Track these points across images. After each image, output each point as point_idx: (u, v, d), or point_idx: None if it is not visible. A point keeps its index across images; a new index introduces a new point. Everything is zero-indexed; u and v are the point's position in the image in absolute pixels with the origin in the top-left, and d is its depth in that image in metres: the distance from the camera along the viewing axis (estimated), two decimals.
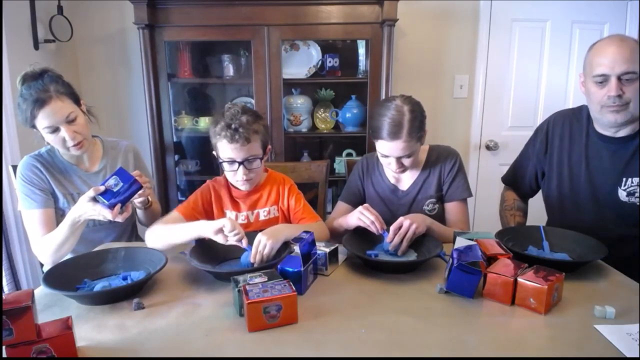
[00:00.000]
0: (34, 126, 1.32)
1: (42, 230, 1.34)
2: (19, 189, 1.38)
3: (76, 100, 1.37)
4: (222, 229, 1.12)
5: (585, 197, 1.41)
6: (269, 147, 1.41)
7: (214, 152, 1.37)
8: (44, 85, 1.30)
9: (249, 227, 1.40)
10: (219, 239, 1.13)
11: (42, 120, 1.29)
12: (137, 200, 1.37)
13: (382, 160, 1.44)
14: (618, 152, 1.35)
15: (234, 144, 1.26)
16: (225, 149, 1.29)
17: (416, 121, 1.33)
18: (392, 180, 1.52)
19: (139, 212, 1.49)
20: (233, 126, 1.26)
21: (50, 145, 1.42)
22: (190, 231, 1.18)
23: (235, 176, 1.33)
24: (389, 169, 1.44)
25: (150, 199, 1.42)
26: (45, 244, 1.32)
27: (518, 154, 1.67)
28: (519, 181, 1.62)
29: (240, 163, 1.30)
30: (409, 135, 1.32)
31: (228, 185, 1.42)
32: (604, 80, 1.26)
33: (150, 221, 1.54)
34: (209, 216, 1.40)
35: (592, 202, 1.40)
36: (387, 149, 1.36)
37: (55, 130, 1.31)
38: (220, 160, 1.33)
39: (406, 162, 1.39)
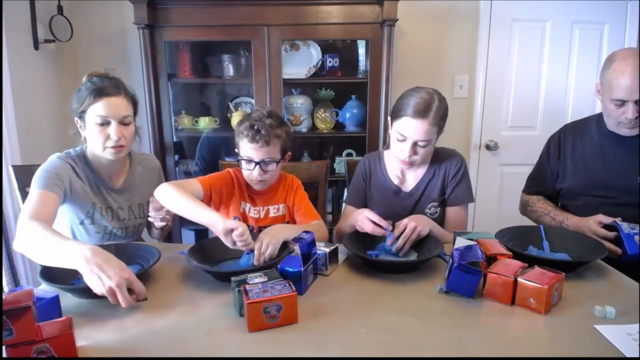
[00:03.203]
0: (83, 113, 1.29)
1: (37, 209, 1.16)
2: (37, 175, 1.24)
3: (135, 113, 1.38)
4: (233, 231, 1.11)
5: (603, 186, 1.47)
6: (289, 153, 1.45)
7: (235, 149, 1.43)
8: (117, 83, 1.33)
9: (259, 222, 1.45)
10: (227, 240, 1.12)
11: (99, 108, 1.27)
12: (158, 224, 1.37)
13: (395, 147, 1.39)
14: (635, 146, 1.43)
15: (254, 144, 1.32)
16: (245, 148, 1.35)
17: (442, 110, 1.33)
18: (396, 181, 1.51)
19: (154, 230, 1.49)
20: (256, 127, 1.32)
21: (79, 148, 1.39)
22: (202, 217, 1.16)
23: (250, 175, 1.38)
24: (399, 157, 1.39)
25: (169, 224, 1.42)
26: (27, 233, 1.10)
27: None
28: (540, 185, 1.66)
29: (256, 163, 1.34)
30: (434, 118, 1.31)
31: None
32: (622, 104, 1.35)
33: (162, 236, 1.56)
34: (224, 199, 1.42)
35: (611, 190, 1.45)
36: (409, 129, 1.32)
37: (105, 123, 1.29)
38: (239, 158, 1.38)
39: (419, 151, 1.36)
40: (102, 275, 0.92)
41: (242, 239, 1.10)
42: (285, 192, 1.49)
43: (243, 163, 1.37)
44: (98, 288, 0.91)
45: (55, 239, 1.03)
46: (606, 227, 1.33)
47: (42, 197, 1.20)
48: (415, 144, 1.35)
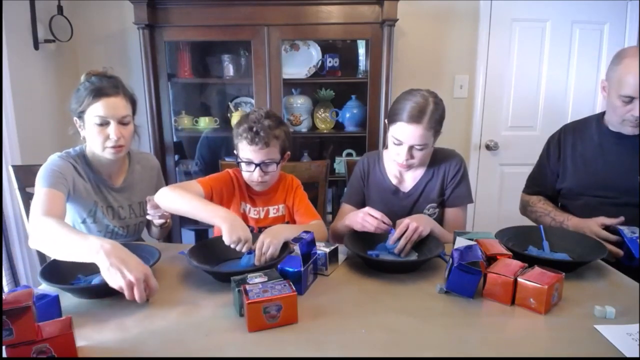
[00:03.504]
0: (82, 113, 1.30)
1: (48, 206, 1.17)
2: (41, 174, 1.25)
3: (133, 112, 1.38)
4: (239, 240, 1.12)
5: (603, 186, 1.46)
6: (288, 153, 1.44)
7: (234, 151, 1.42)
8: (116, 83, 1.33)
9: (259, 222, 1.45)
10: (233, 244, 1.13)
11: (98, 109, 1.27)
12: (156, 221, 1.38)
13: (392, 150, 1.40)
14: (635, 145, 1.43)
15: (254, 146, 1.32)
16: (244, 150, 1.34)
17: (438, 113, 1.33)
18: (394, 182, 1.51)
19: (154, 229, 1.50)
20: (255, 129, 1.31)
21: (79, 147, 1.39)
22: (209, 219, 1.18)
23: (251, 177, 1.37)
24: (397, 160, 1.40)
25: (168, 220, 1.43)
26: (44, 229, 1.08)
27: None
28: (540, 185, 1.66)
29: (257, 165, 1.34)
30: (428, 123, 1.31)
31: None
32: (630, 100, 1.34)
33: (162, 235, 1.56)
34: (224, 200, 1.42)
35: (611, 190, 1.45)
36: (404, 134, 1.33)
37: (104, 123, 1.29)
38: (239, 160, 1.37)
39: (416, 155, 1.36)
40: (122, 269, 0.92)
41: (244, 247, 1.12)
42: (285, 192, 1.49)
43: (243, 165, 1.37)
44: (116, 281, 0.91)
45: (73, 234, 1.03)
46: (607, 229, 1.33)
47: (50, 195, 1.21)
48: (411, 148, 1.35)
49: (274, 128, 1.34)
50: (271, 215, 1.46)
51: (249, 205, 1.46)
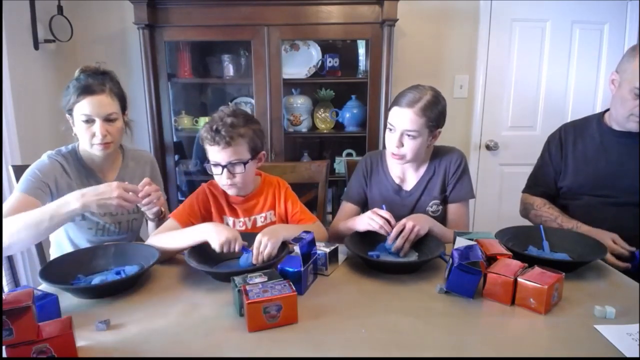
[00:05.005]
0: (70, 110, 1.31)
1: (13, 212, 1.18)
2: (24, 176, 1.28)
3: (123, 108, 1.38)
4: (228, 240, 1.13)
5: (603, 186, 1.46)
6: (263, 153, 1.36)
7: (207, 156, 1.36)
8: (102, 80, 1.33)
9: None
10: (225, 247, 1.14)
11: (83, 107, 1.28)
12: (149, 212, 1.36)
13: (387, 139, 1.41)
14: (636, 145, 1.43)
15: (216, 146, 1.25)
16: (210, 152, 1.28)
17: (434, 105, 1.34)
18: (397, 181, 1.51)
19: (150, 224, 1.46)
20: (215, 127, 1.24)
21: (72, 145, 1.40)
22: (193, 239, 1.19)
23: (220, 180, 1.31)
24: (390, 150, 1.40)
25: (163, 209, 1.40)
26: (8, 222, 1.13)
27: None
28: (543, 185, 1.64)
29: (223, 167, 1.27)
30: (421, 110, 1.33)
31: (224, 190, 1.39)
32: None
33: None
34: (207, 220, 1.37)
35: (612, 190, 1.45)
36: (395, 117, 1.36)
37: (90, 121, 1.30)
38: (206, 163, 1.32)
39: (407, 143, 1.36)
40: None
41: (227, 249, 1.14)
42: (272, 198, 1.42)
43: (212, 168, 1.30)
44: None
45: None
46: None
47: (21, 200, 1.23)
48: (402, 135, 1.36)
49: (238, 126, 1.26)
50: (259, 224, 1.39)
51: (232, 218, 1.38)
